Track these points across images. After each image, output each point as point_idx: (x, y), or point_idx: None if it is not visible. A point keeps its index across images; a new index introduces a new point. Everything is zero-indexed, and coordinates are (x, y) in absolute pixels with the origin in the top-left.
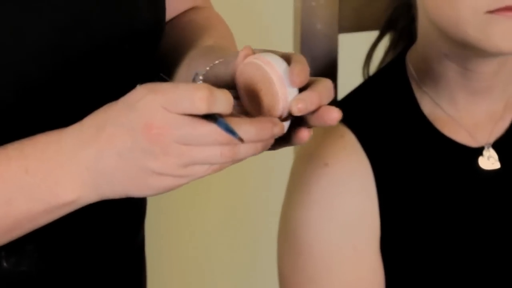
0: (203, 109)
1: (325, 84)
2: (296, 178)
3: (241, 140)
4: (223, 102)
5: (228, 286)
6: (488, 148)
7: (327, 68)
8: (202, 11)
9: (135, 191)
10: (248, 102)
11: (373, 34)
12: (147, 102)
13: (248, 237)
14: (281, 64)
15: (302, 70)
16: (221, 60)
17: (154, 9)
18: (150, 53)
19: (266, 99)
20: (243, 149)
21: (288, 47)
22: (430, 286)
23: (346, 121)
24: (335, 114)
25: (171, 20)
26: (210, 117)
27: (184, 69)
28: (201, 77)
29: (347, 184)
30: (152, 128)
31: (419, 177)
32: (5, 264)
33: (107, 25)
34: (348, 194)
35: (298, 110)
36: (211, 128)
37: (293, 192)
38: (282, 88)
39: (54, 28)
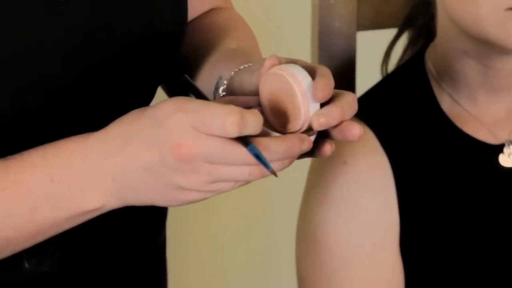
0: (234, 134)
1: (348, 98)
2: (315, 177)
3: (274, 174)
4: (253, 125)
5: (245, 286)
6: (508, 145)
7: (345, 66)
8: (223, 12)
9: (160, 202)
10: (270, 112)
11: (392, 32)
12: (176, 121)
13: (264, 237)
14: (305, 77)
15: (326, 84)
16: (245, 65)
17: (177, 11)
18: (173, 55)
19: (288, 111)
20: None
21: (306, 45)
22: (449, 284)
23: (364, 119)
24: (356, 131)
25: (192, 21)
26: (241, 139)
27: (207, 73)
28: (225, 82)
29: (366, 182)
30: (181, 148)
31: (439, 175)
32: (26, 264)
33: (131, 28)
34: (367, 192)
35: (319, 124)
36: (241, 150)
37: (311, 191)
38: (305, 102)
39: (77, 31)
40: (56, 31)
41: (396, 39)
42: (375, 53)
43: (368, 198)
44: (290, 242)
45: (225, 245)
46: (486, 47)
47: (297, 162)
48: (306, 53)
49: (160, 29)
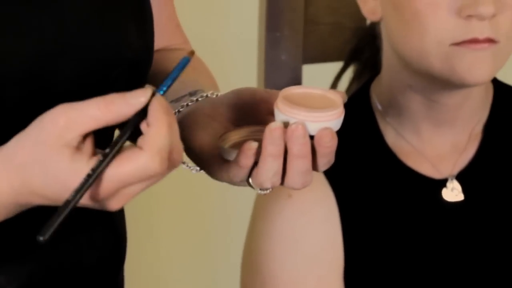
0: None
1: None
2: (260, 210)
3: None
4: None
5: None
6: (451, 180)
7: None
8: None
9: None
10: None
11: (338, 65)
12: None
13: (208, 270)
14: None
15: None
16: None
17: (143, 37)
18: (139, 82)
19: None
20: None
21: (252, 78)
22: None
23: None
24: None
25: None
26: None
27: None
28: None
29: (311, 215)
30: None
31: (383, 209)
32: None
33: (94, 51)
34: (312, 225)
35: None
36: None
37: (257, 224)
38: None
39: (39, 53)
40: (17, 53)
41: (342, 72)
42: (321, 86)
43: (312, 231)
44: (234, 275)
45: (170, 274)
46: (430, 81)
47: (242, 195)
48: (252, 86)
49: (126, 54)
